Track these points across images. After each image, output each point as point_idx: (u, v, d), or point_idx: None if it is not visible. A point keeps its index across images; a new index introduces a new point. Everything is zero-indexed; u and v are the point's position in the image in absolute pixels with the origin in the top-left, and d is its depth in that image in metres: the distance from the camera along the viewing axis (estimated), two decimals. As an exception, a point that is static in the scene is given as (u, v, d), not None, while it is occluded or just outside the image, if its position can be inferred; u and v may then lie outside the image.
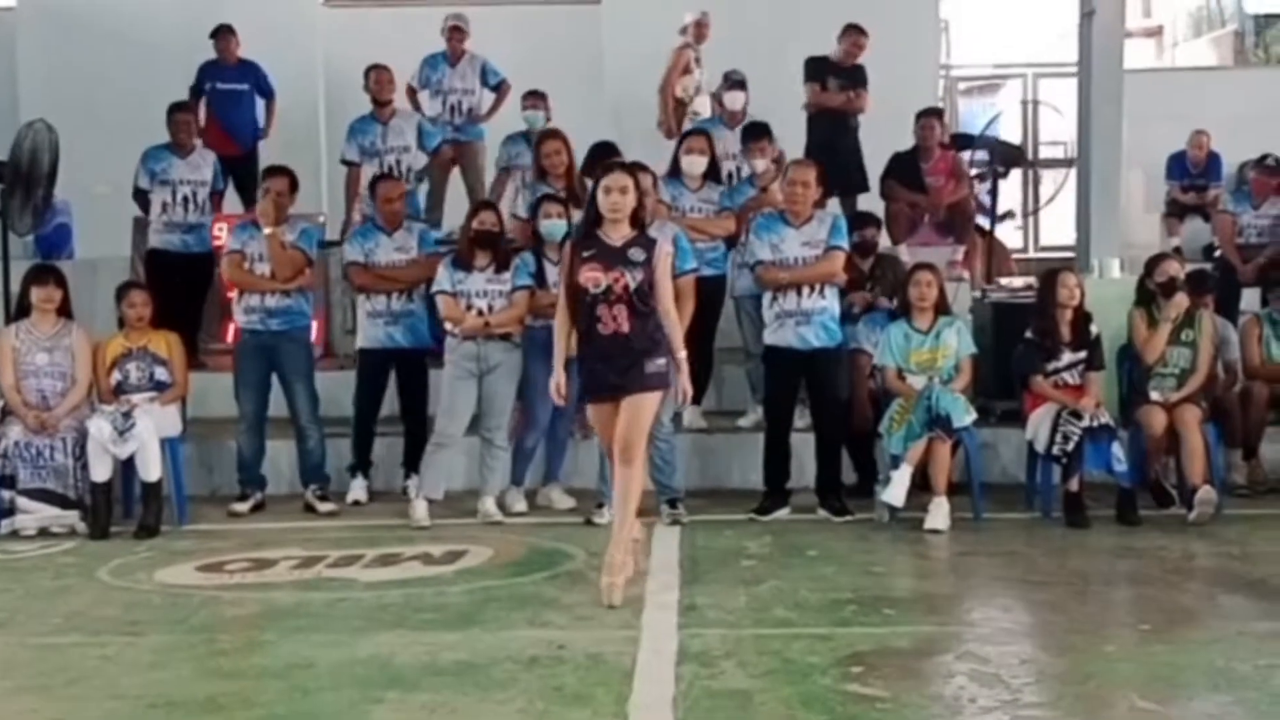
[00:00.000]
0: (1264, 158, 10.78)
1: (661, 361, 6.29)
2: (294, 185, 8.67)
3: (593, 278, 6.23)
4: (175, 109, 10.45)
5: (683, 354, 6.41)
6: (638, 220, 6.41)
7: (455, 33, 11.31)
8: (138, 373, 8.28)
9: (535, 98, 10.60)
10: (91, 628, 6.02)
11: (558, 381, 6.51)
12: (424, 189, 11.02)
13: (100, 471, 7.92)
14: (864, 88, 10.99)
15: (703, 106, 11.13)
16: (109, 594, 6.66)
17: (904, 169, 11.04)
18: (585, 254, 6.30)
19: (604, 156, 8.27)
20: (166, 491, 8.10)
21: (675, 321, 6.42)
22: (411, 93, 11.32)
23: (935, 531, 7.64)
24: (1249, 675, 5.16)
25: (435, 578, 6.87)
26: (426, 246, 8.74)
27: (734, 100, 10.24)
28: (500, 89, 11.38)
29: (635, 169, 6.57)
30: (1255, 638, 5.68)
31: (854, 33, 10.97)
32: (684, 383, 6.43)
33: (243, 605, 6.42)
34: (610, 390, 6.30)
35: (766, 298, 8.12)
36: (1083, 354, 8.18)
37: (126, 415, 7.94)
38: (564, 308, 6.45)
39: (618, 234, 6.33)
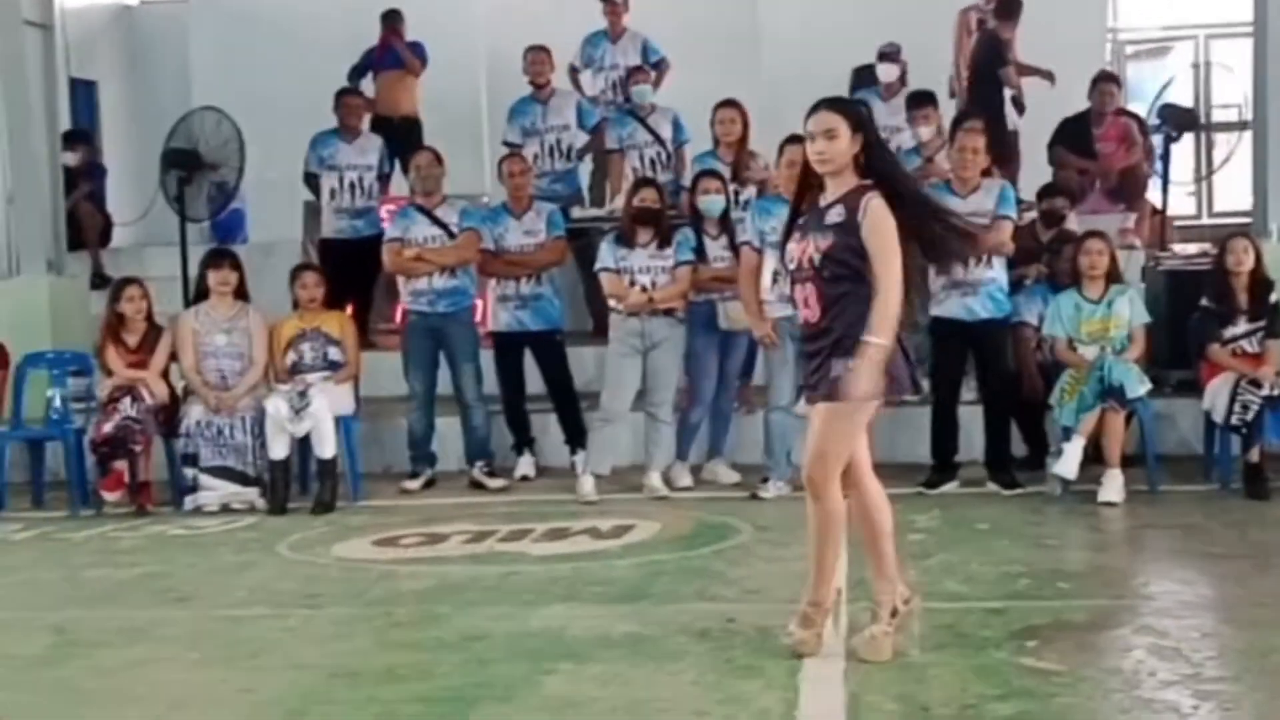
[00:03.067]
0: None
1: (850, 362, 4.78)
2: (439, 160, 8.79)
3: (789, 249, 5.00)
4: (342, 93, 10.67)
5: (877, 340, 4.74)
6: (862, 171, 4.88)
7: (610, 6, 11.34)
8: (312, 353, 8.48)
9: (640, 72, 10.59)
10: (273, 601, 6.19)
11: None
12: (585, 168, 11.09)
13: (278, 449, 8.14)
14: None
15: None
16: (289, 568, 6.85)
17: (1074, 135, 10.81)
18: (804, 219, 4.98)
19: None
20: (341, 469, 8.30)
21: (886, 297, 4.75)
22: (574, 72, 11.40)
23: (1109, 504, 7.50)
24: None
25: (604, 551, 6.94)
26: (556, 229, 8.79)
27: (887, 73, 10.13)
28: (660, 66, 11.39)
29: (845, 105, 5.01)
30: None
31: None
32: (855, 370, 4.76)
33: (417, 579, 6.55)
34: (805, 389, 5.08)
35: (932, 269, 8.00)
36: (1261, 321, 7.95)
37: (302, 394, 8.14)
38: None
39: (831, 193, 4.90)
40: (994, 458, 8.03)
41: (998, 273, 7.92)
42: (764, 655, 5.10)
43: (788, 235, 5.03)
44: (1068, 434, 7.74)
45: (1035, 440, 8.40)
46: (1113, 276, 8.09)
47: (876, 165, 4.89)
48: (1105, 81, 10.90)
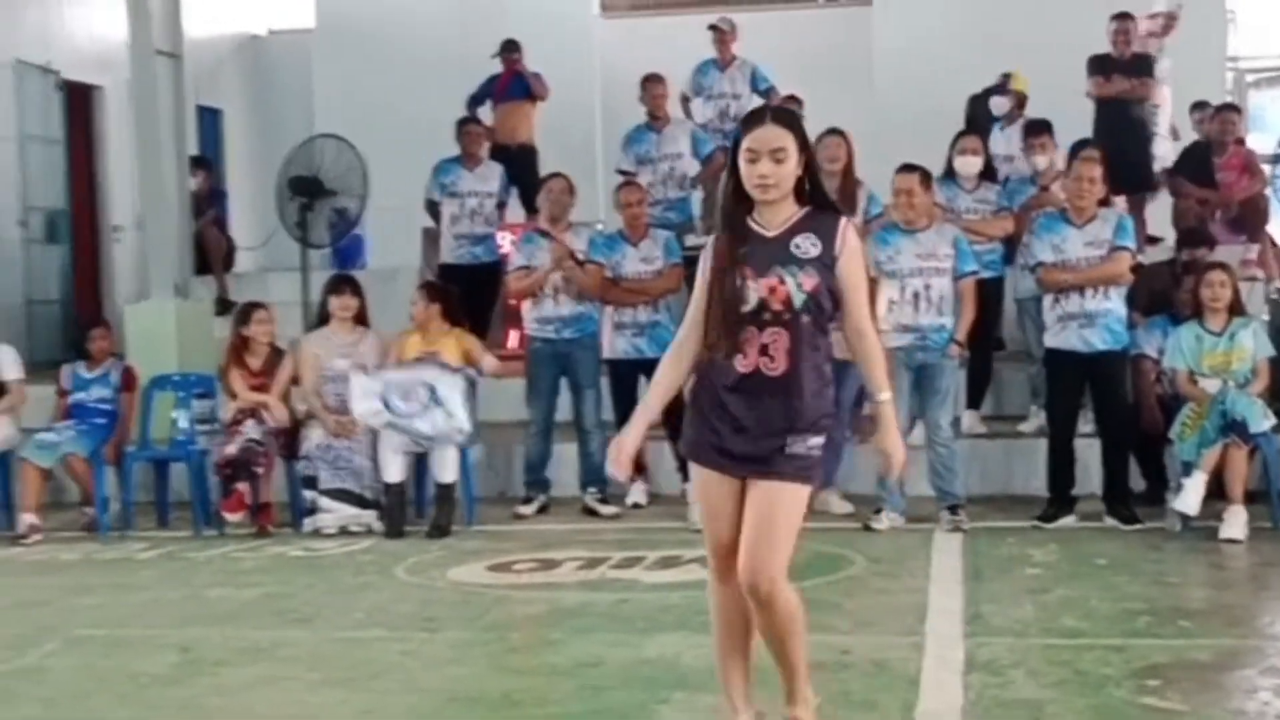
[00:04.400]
0: None
1: (818, 440, 4.15)
2: (571, 190, 8.89)
3: (744, 287, 4.10)
4: (464, 121, 10.82)
5: (886, 396, 4.28)
6: (805, 196, 4.17)
7: (718, 34, 11.37)
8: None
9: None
10: (391, 623, 6.28)
11: (621, 448, 4.36)
12: (698, 196, 11.13)
13: (393, 473, 8.25)
14: (1149, 77, 10.62)
15: (1162, 99, 10.90)
16: (406, 591, 6.95)
17: (1194, 164, 10.66)
18: (741, 250, 4.12)
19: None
20: (456, 493, 8.39)
21: (875, 345, 4.27)
22: (685, 100, 11.45)
23: (1232, 541, 7.36)
24: None
25: (716, 581, 6.93)
26: (673, 256, 8.82)
27: (999, 105, 10.09)
28: (769, 95, 11.40)
29: (793, 120, 4.16)
30: None
31: (1117, 20, 10.62)
32: (890, 445, 4.28)
33: (532, 604, 6.62)
34: (731, 460, 4.15)
35: (1048, 300, 7.94)
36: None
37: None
38: (685, 335, 4.25)
39: (774, 218, 4.14)
40: (1112, 492, 7.92)
41: (1115, 304, 7.82)
42: (879, 688, 5.08)
43: (725, 265, 4.10)
44: (1188, 469, 7.61)
45: (1154, 475, 8.28)
46: (1235, 308, 7.96)
47: (820, 190, 4.21)
48: (1226, 111, 10.75)
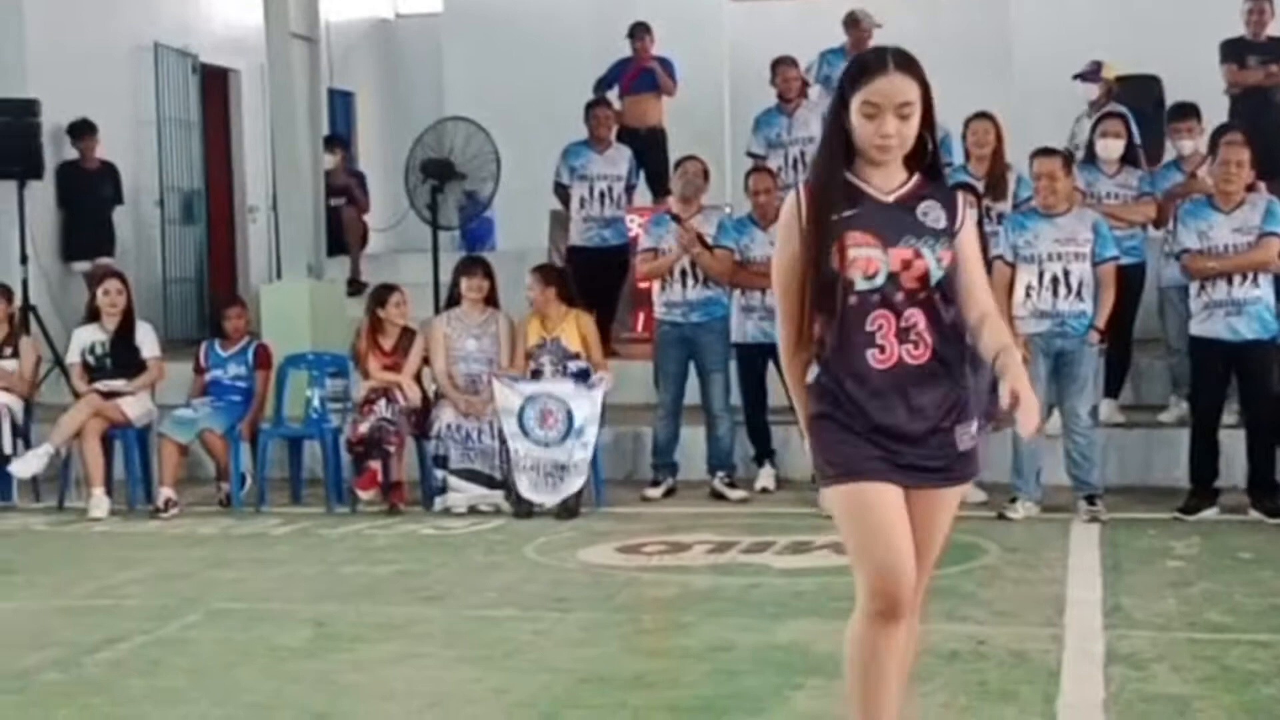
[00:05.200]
0: None
1: (974, 428, 3.58)
2: (705, 173, 8.85)
3: (864, 259, 3.46)
4: (593, 105, 10.82)
5: (1015, 355, 3.51)
6: (920, 161, 3.56)
7: (855, 28, 11.23)
8: (551, 367, 8.52)
9: None
10: (523, 603, 6.30)
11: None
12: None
13: (524, 488, 8.25)
14: None
15: None
16: (536, 571, 6.97)
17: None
18: (843, 212, 3.47)
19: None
20: (586, 475, 8.40)
21: (998, 318, 3.63)
22: (805, 86, 11.32)
23: (1384, 536, 7.13)
24: None
25: (847, 567, 6.81)
26: None
27: (1087, 91, 9.91)
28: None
29: (918, 67, 3.49)
30: None
31: (1252, 0, 10.30)
32: (1009, 393, 3.41)
33: (662, 586, 6.60)
34: (902, 469, 3.49)
35: (1194, 287, 7.74)
36: None
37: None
38: (791, 323, 3.58)
39: (887, 181, 3.54)
40: (1257, 483, 7.71)
41: (1264, 291, 7.61)
42: (1018, 680, 4.99)
43: (827, 233, 3.44)
44: (1337, 462, 7.39)
45: (1302, 467, 8.04)
46: (1390, 298, 7.69)
47: (937, 152, 3.57)
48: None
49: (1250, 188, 7.81)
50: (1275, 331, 7.71)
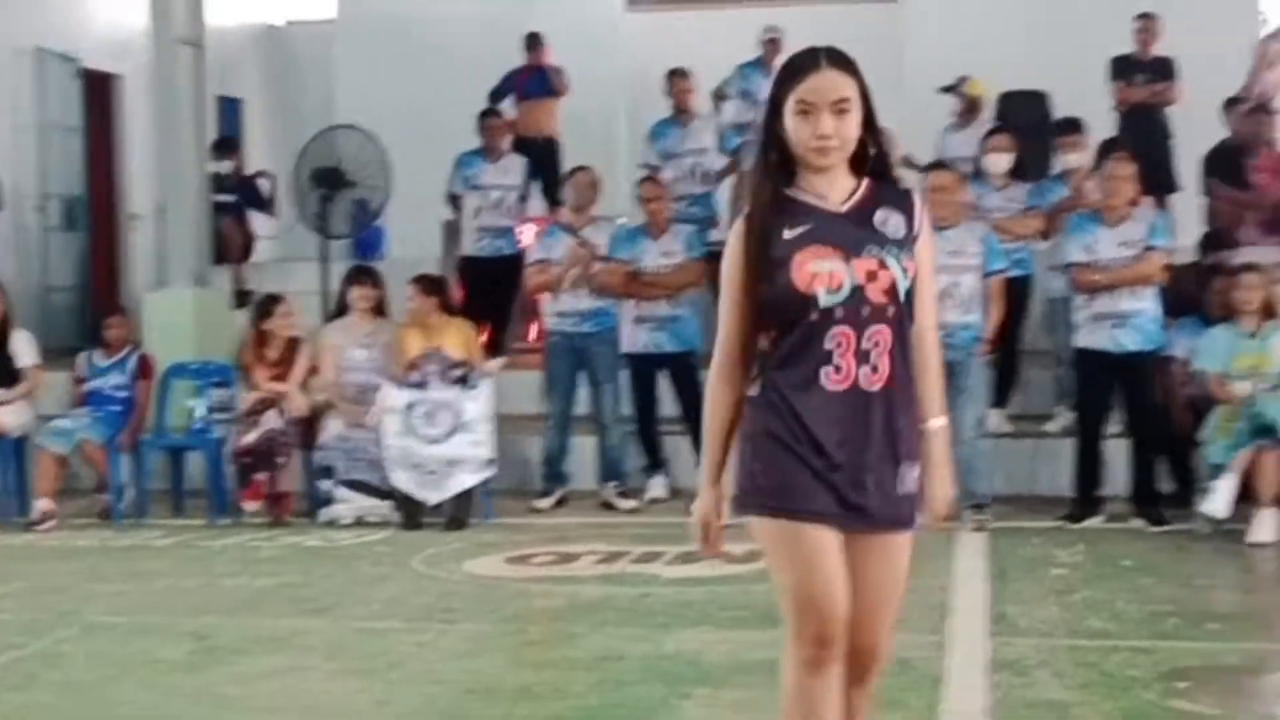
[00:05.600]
0: None
1: (916, 471, 3.24)
2: (596, 183, 8.84)
3: (826, 273, 3.16)
4: (485, 114, 10.74)
5: (940, 423, 3.29)
6: (862, 161, 3.27)
7: (771, 44, 11.29)
8: (436, 378, 8.38)
9: None
10: (408, 615, 6.21)
11: (704, 514, 3.37)
12: (725, 193, 11.04)
13: (400, 481, 8.16)
14: (1172, 80, 10.53)
15: None
16: (423, 582, 6.87)
17: (1227, 165, 10.53)
18: (793, 229, 3.20)
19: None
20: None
21: (936, 351, 3.33)
22: (719, 98, 11.36)
23: (1260, 545, 7.25)
24: None
25: (737, 576, 6.83)
26: (694, 251, 8.75)
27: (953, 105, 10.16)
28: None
29: (852, 64, 3.20)
30: None
31: (1141, 19, 10.52)
32: (937, 487, 3.28)
33: (550, 597, 6.54)
34: (845, 510, 3.18)
35: (1079, 300, 7.85)
36: None
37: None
38: (730, 347, 3.27)
39: (835, 191, 3.25)
40: (1141, 493, 7.83)
41: (1148, 304, 7.73)
42: (903, 687, 4.97)
43: (778, 252, 3.17)
44: (1218, 471, 7.51)
45: (1183, 476, 8.16)
46: (1268, 311, 7.85)
47: (884, 154, 3.29)
48: (1259, 113, 10.61)
49: (1135, 202, 7.93)
50: (1159, 343, 7.84)
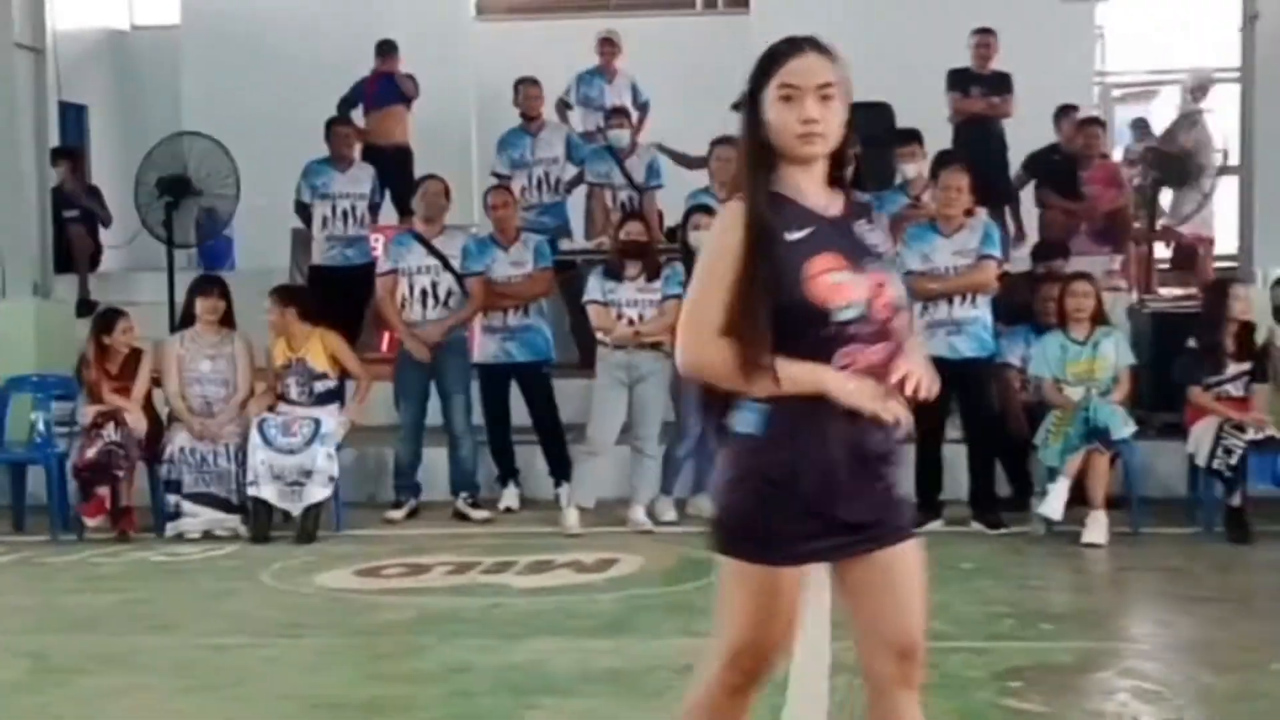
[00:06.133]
0: None
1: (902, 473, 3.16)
2: (447, 192, 8.83)
3: (845, 284, 2.97)
4: (333, 123, 10.67)
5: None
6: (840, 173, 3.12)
7: (607, 45, 11.37)
8: (298, 388, 8.39)
9: (620, 116, 10.60)
10: (255, 630, 6.15)
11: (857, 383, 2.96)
12: (576, 200, 11.09)
13: (263, 490, 8.08)
14: (1008, 94, 10.84)
15: None
16: (271, 597, 6.81)
17: (1059, 176, 10.87)
18: (794, 233, 2.99)
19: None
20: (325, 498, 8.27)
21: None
22: (564, 107, 11.42)
23: (1093, 545, 7.50)
24: None
25: (587, 585, 6.92)
26: (544, 260, 8.80)
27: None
28: (645, 109, 11.40)
29: (834, 53, 3.09)
30: None
31: (979, 34, 10.82)
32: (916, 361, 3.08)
33: (400, 610, 6.53)
34: (840, 536, 3.04)
35: (917, 308, 8.03)
36: (1247, 365, 7.98)
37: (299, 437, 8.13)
38: (713, 320, 2.97)
39: (820, 197, 3.07)
40: (978, 497, 8.04)
41: (982, 312, 7.95)
42: (747, 692, 5.07)
43: (771, 242, 2.96)
44: (1052, 475, 7.74)
45: (1019, 480, 8.40)
46: (1099, 318, 8.11)
47: (848, 162, 3.14)
48: (1091, 125, 10.98)
49: (970, 212, 8.15)
50: (993, 350, 8.07)
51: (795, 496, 2.97)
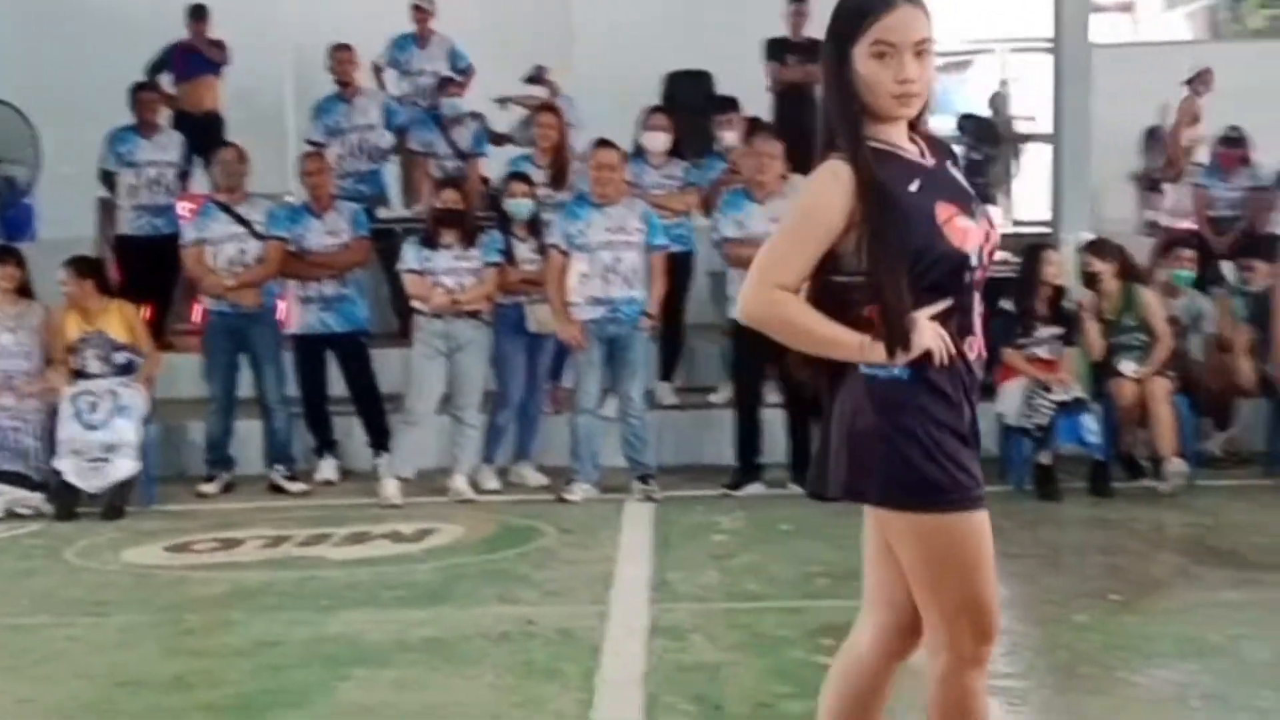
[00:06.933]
0: (1229, 131, 10.76)
1: None
2: (243, 157, 8.61)
3: (969, 231, 2.87)
4: (139, 88, 10.33)
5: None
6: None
7: (419, 12, 11.19)
8: (97, 361, 8.13)
9: (454, 85, 10.55)
10: (58, 609, 5.97)
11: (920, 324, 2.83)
12: (392, 167, 10.93)
13: (68, 472, 7.83)
14: None
15: (1202, 156, 11.33)
16: (75, 575, 6.61)
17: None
18: (908, 184, 2.85)
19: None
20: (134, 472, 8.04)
21: None
22: (377, 70, 11.21)
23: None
24: (1219, 644, 5.16)
25: (405, 555, 6.85)
26: (360, 229, 8.67)
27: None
28: (467, 72, 11.27)
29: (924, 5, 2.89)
30: (1225, 607, 5.68)
31: (794, 3, 10.88)
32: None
33: (210, 585, 6.38)
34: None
35: (733, 274, 8.08)
36: (1057, 329, 8.18)
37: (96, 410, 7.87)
38: (788, 283, 2.87)
39: (907, 141, 2.93)
40: (797, 460, 8.12)
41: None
42: (563, 658, 5.06)
43: (888, 197, 2.80)
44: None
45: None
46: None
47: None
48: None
49: (784, 178, 8.19)
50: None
51: (973, 435, 2.91)
